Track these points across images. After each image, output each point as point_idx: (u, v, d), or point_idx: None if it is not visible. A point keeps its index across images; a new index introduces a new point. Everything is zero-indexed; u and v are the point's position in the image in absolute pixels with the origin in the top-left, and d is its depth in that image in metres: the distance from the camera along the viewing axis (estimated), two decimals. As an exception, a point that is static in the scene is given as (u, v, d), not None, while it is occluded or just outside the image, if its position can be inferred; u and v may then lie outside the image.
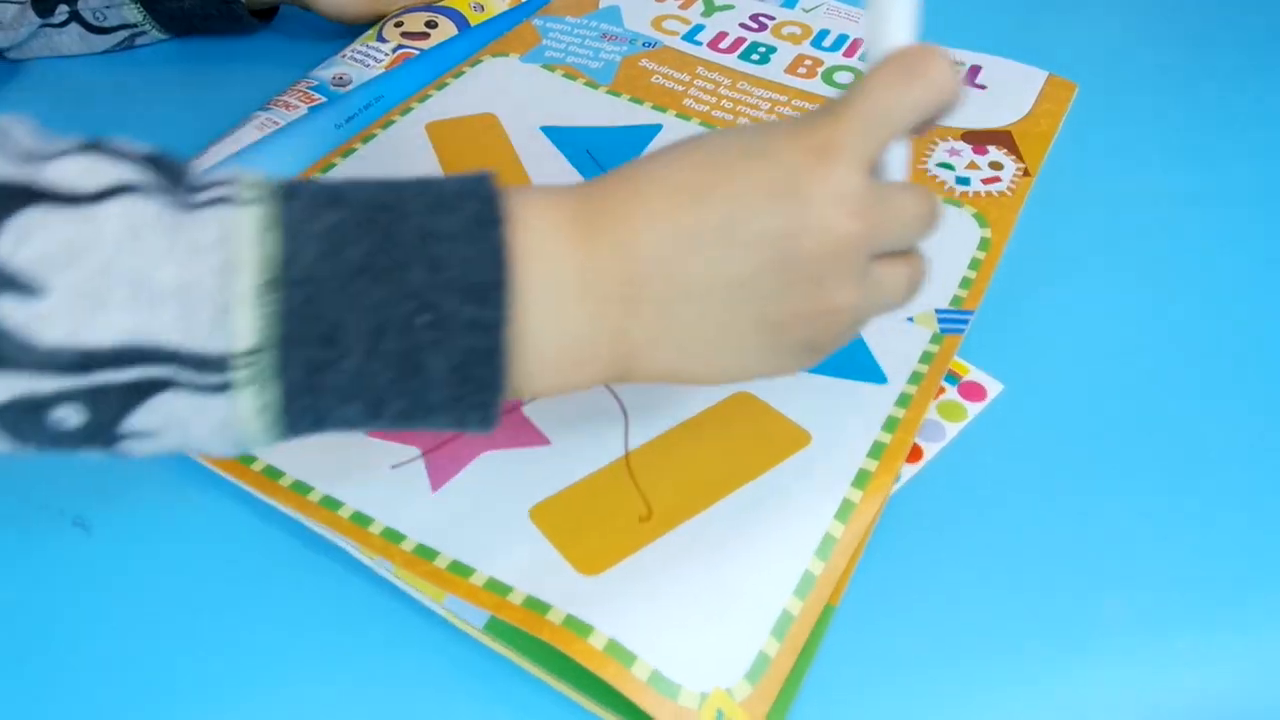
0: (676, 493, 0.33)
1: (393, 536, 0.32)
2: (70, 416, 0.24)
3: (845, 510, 0.33)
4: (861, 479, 0.34)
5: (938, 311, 0.40)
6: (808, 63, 0.54)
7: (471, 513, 0.33)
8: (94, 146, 0.24)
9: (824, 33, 0.56)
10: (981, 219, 0.45)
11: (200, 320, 0.23)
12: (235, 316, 0.23)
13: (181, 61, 0.56)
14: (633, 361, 0.28)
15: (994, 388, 0.39)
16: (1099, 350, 0.40)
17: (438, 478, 0.34)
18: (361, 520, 0.33)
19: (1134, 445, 0.37)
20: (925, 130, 0.29)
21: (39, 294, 0.22)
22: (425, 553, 0.32)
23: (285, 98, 0.49)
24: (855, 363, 0.38)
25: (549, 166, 0.47)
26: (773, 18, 0.57)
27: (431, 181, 0.26)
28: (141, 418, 0.24)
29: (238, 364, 0.23)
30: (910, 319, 0.40)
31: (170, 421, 0.24)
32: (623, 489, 0.34)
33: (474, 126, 0.49)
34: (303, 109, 0.48)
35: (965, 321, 0.40)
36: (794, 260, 0.27)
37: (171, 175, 0.24)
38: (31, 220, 0.22)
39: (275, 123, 0.47)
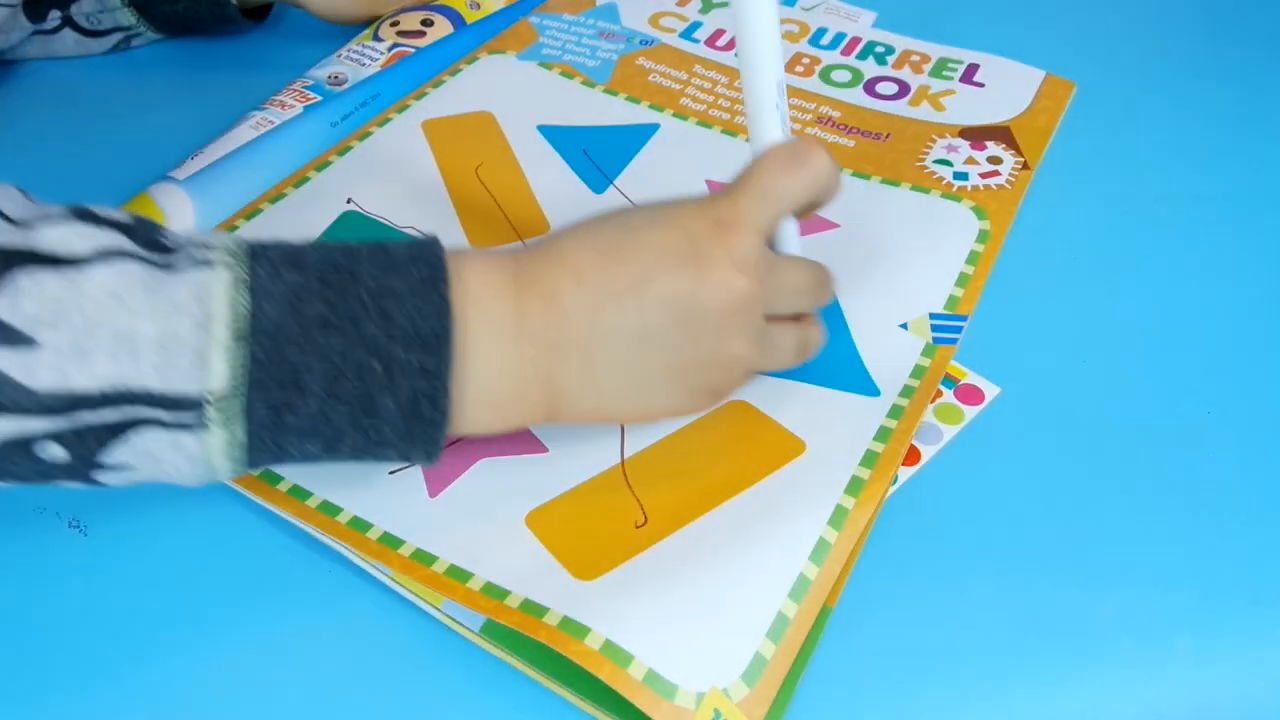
0: (672, 499, 0.33)
1: (391, 542, 0.32)
2: (57, 453, 0.27)
3: (838, 516, 0.33)
4: (854, 486, 0.34)
5: (931, 317, 0.40)
6: (805, 61, 0.54)
7: (469, 518, 0.33)
8: (82, 213, 0.27)
9: (822, 31, 0.56)
10: (980, 211, 0.45)
11: (179, 367, 0.26)
12: (210, 363, 0.26)
13: (177, 63, 0.55)
14: (560, 402, 0.31)
15: (991, 391, 0.38)
16: (1097, 354, 0.40)
17: (435, 484, 0.34)
18: (360, 525, 0.33)
19: (1132, 448, 0.37)
20: (810, 213, 0.35)
21: (33, 346, 0.25)
22: (423, 557, 0.32)
23: (281, 97, 0.49)
24: (848, 375, 0.38)
25: (546, 166, 0.47)
26: (770, 15, 0.57)
27: (384, 246, 0.30)
28: (120, 452, 0.27)
29: (211, 405, 0.27)
30: (904, 325, 0.40)
31: (145, 456, 0.27)
32: (619, 495, 0.34)
33: (470, 125, 0.49)
34: (298, 108, 0.48)
35: (959, 329, 0.40)
36: (696, 315, 0.31)
37: (151, 238, 0.28)
38: (27, 280, 0.25)
39: (270, 122, 0.47)
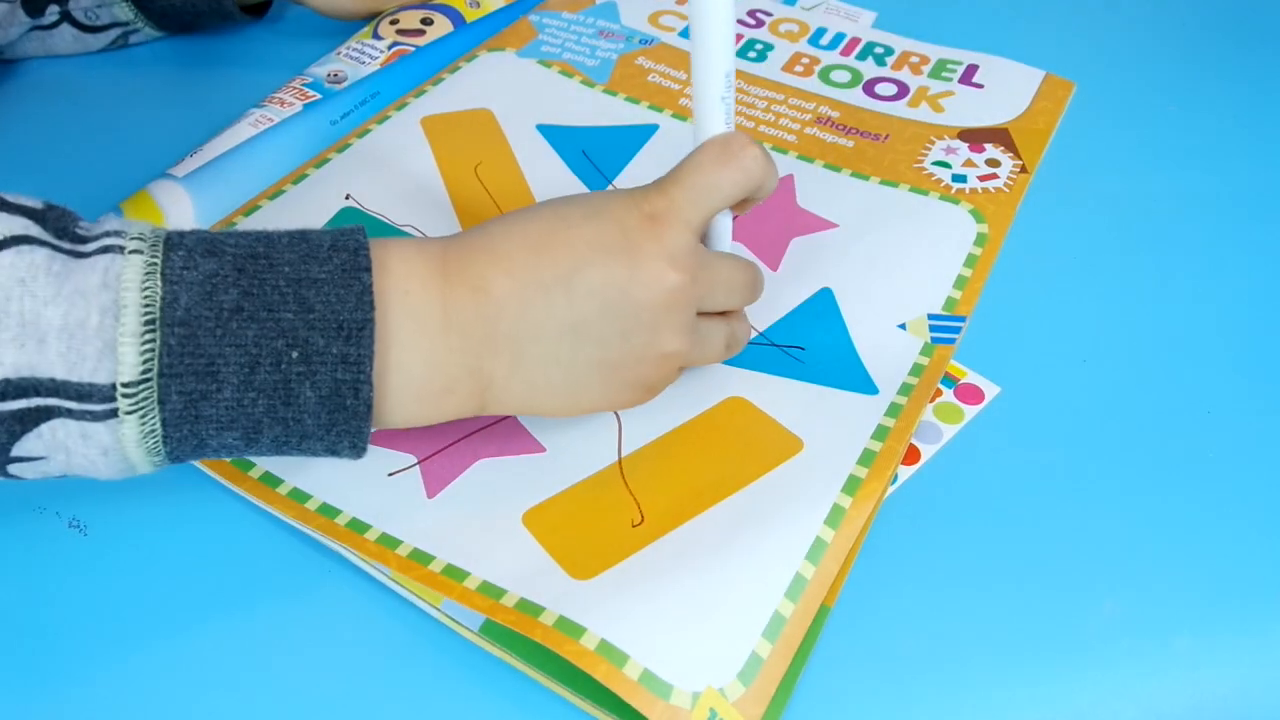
0: (668, 499, 0.33)
1: (389, 542, 0.32)
2: None
3: (835, 516, 0.33)
4: (852, 485, 0.34)
5: (930, 318, 0.40)
6: (805, 61, 0.54)
7: (466, 518, 0.33)
8: None
9: (821, 30, 0.56)
10: (978, 215, 0.45)
11: (86, 355, 0.25)
12: (120, 352, 0.26)
13: (176, 61, 0.55)
14: (490, 394, 0.31)
15: (991, 390, 0.38)
16: (1097, 353, 0.40)
17: (433, 485, 0.34)
18: (358, 527, 0.33)
19: (1132, 448, 0.37)
20: (746, 208, 0.34)
21: None
22: (420, 557, 0.32)
23: (280, 95, 0.49)
24: (847, 373, 0.38)
25: (544, 165, 0.47)
26: (770, 14, 0.57)
27: (305, 233, 0.29)
28: (29, 443, 0.26)
29: (121, 395, 0.26)
30: (902, 325, 0.40)
31: (56, 446, 0.27)
32: (615, 494, 0.34)
33: (470, 122, 0.49)
34: (297, 106, 0.48)
35: (957, 329, 0.40)
36: (627, 309, 0.30)
37: (62, 225, 0.27)
38: None
39: (270, 119, 0.47)
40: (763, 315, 0.40)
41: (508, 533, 0.32)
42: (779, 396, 0.37)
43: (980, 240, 0.43)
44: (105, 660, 0.31)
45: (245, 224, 0.43)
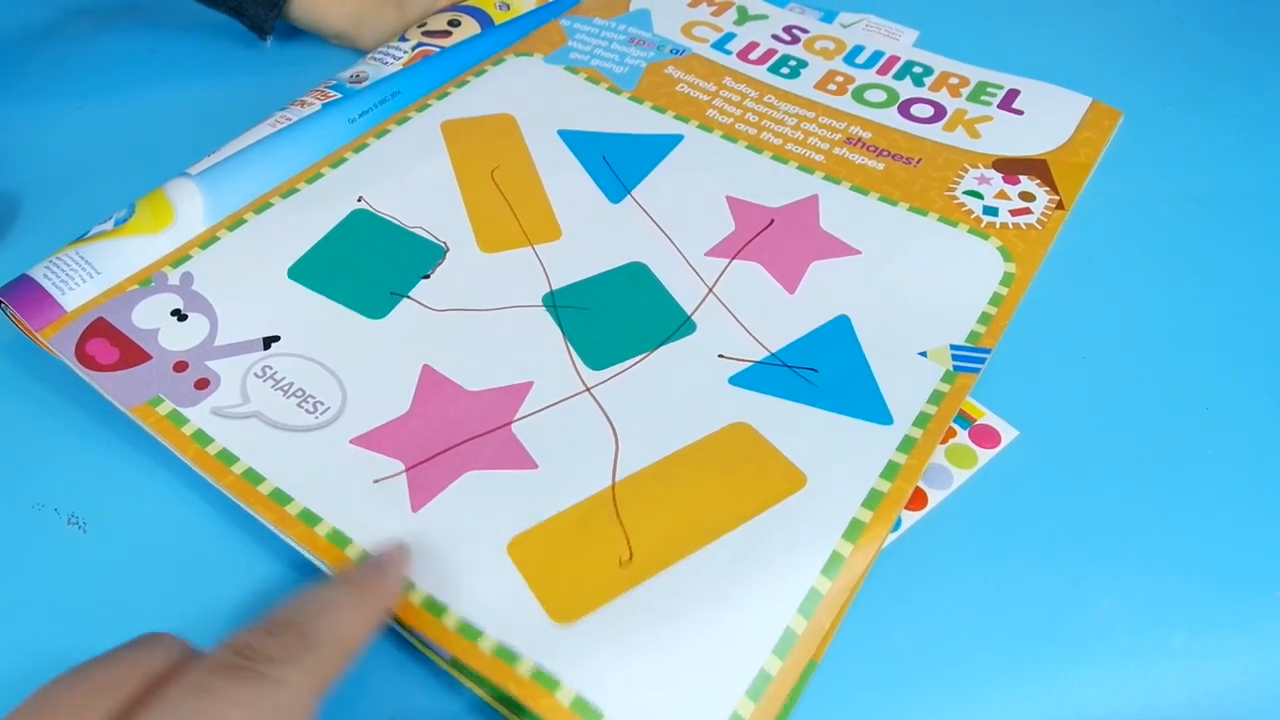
0: (660, 535, 0.32)
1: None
2: None
3: (834, 565, 0.31)
4: (854, 531, 0.32)
5: (953, 348, 0.38)
6: (839, 79, 0.52)
7: (450, 540, 0.32)
8: None
9: (858, 49, 0.54)
10: (1006, 253, 0.43)
11: None
12: None
13: (205, 69, 0.55)
14: None
15: (1009, 434, 0.37)
16: (1123, 399, 0.38)
17: (419, 496, 0.33)
18: (339, 540, 0.32)
19: (1156, 497, 0.35)
20: None
21: None
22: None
23: (303, 97, 0.48)
24: (862, 400, 0.36)
25: (563, 171, 0.46)
26: (806, 31, 0.55)
27: None
28: None
29: None
30: (923, 353, 0.38)
31: None
32: (605, 526, 0.32)
33: (490, 127, 0.48)
34: (316, 105, 0.47)
35: (982, 360, 0.38)
36: None
37: None
38: None
39: (288, 119, 0.46)
40: (776, 337, 0.38)
41: (491, 561, 0.31)
42: (787, 423, 0.35)
43: (1007, 280, 0.41)
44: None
45: (255, 221, 0.42)
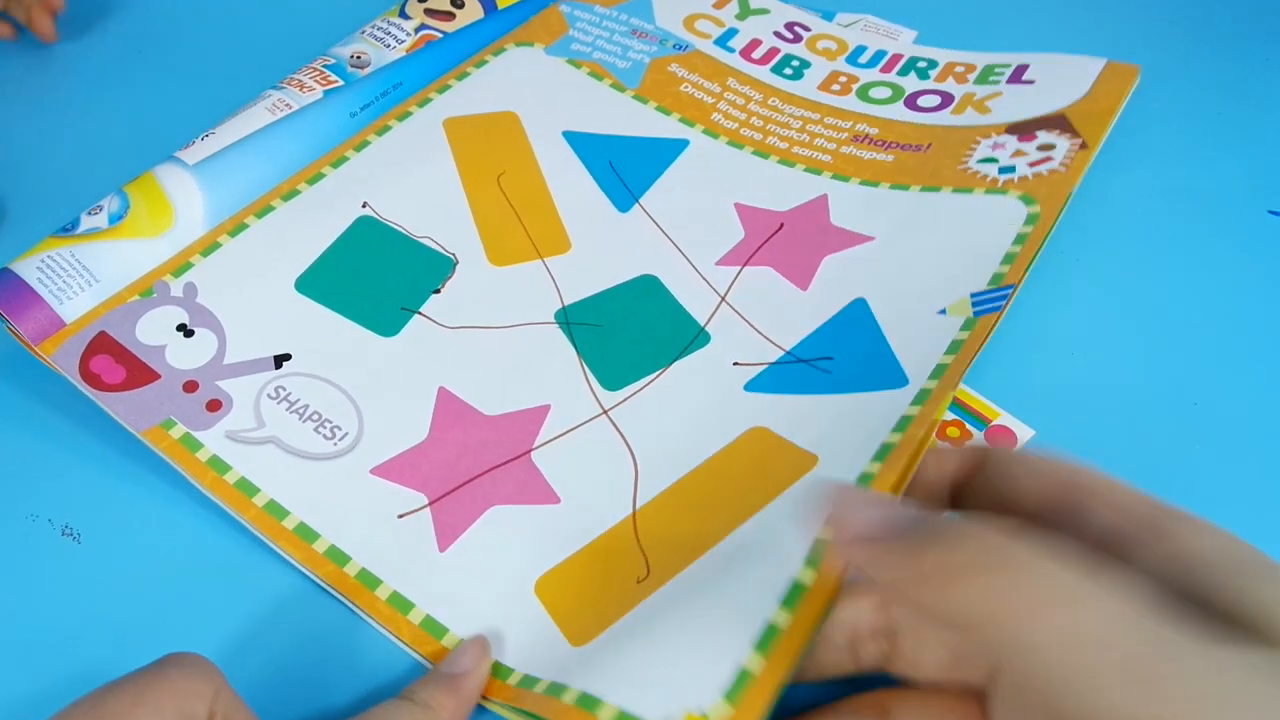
0: (674, 547, 0.32)
1: (401, 605, 0.31)
2: None
3: None
4: (863, 481, 0.30)
5: (972, 295, 0.37)
6: (842, 79, 0.52)
7: (478, 582, 0.32)
8: None
9: (860, 48, 0.54)
10: (1028, 198, 0.41)
11: None
12: None
13: (189, 31, 0.53)
14: None
15: (1025, 434, 0.36)
16: (1142, 396, 0.37)
17: (445, 534, 0.33)
18: (369, 581, 0.32)
19: (1178, 494, 0.36)
20: None
21: None
22: (433, 628, 0.31)
23: (299, 77, 0.46)
24: (876, 372, 0.35)
25: (570, 177, 0.45)
26: (809, 28, 0.55)
27: None
28: None
29: None
30: (942, 311, 0.37)
31: None
32: (626, 552, 0.33)
33: (494, 126, 0.47)
34: (317, 91, 0.46)
35: (1004, 297, 0.36)
36: None
37: None
38: None
39: (288, 104, 0.45)
40: (791, 334, 0.38)
41: (519, 603, 0.32)
42: (800, 416, 0.34)
43: (1031, 219, 0.40)
44: (100, 670, 0.29)
45: (258, 226, 0.41)
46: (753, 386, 0.37)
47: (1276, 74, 0.50)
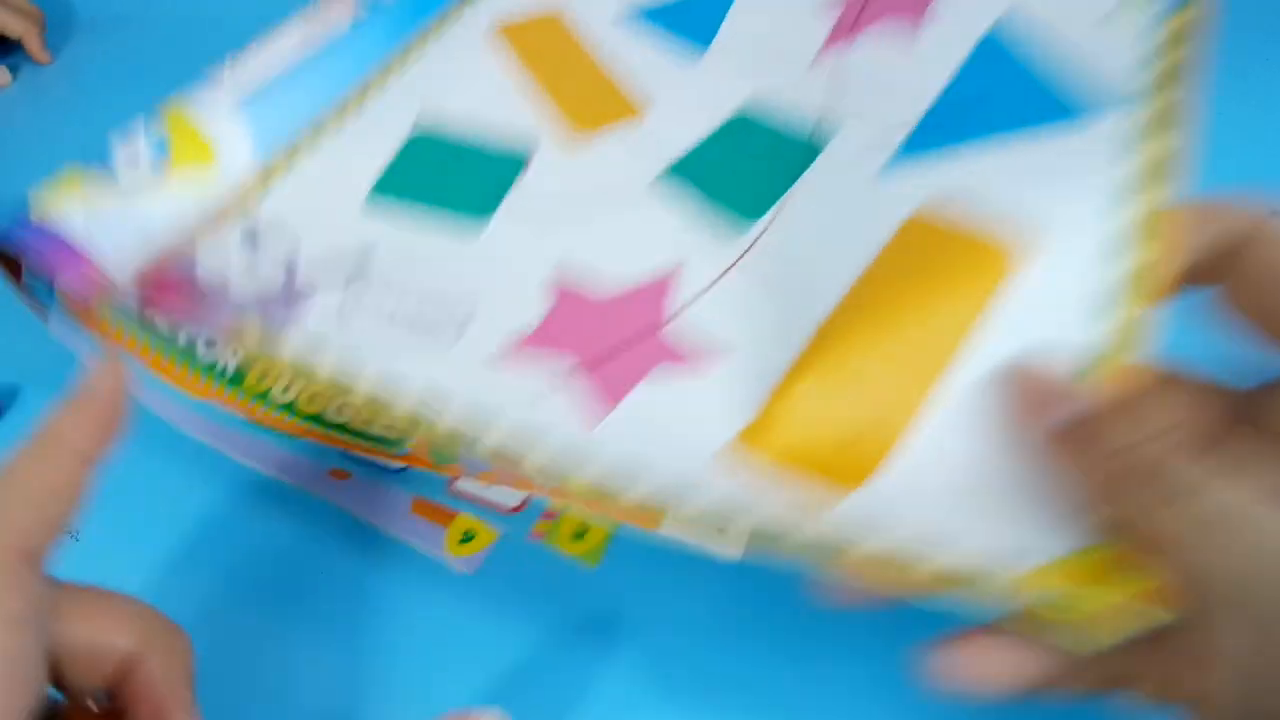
0: (894, 367, 0.25)
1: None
2: None
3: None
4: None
5: None
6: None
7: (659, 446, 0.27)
8: None
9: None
10: None
11: None
12: None
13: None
14: None
15: None
16: None
17: (616, 390, 0.28)
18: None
19: None
20: None
21: None
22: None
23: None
24: (1045, 104, 0.27)
25: (636, 42, 0.40)
26: None
27: None
28: None
29: None
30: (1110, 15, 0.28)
31: None
32: (836, 363, 0.26)
33: (547, 26, 0.42)
34: (346, 15, 0.42)
35: None
36: None
37: None
38: None
39: (323, 29, 0.41)
40: (908, 108, 0.32)
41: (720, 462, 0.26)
42: (965, 186, 0.27)
43: None
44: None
45: (315, 151, 0.37)
46: (890, 172, 0.30)
47: (1277, 74, 0.47)
